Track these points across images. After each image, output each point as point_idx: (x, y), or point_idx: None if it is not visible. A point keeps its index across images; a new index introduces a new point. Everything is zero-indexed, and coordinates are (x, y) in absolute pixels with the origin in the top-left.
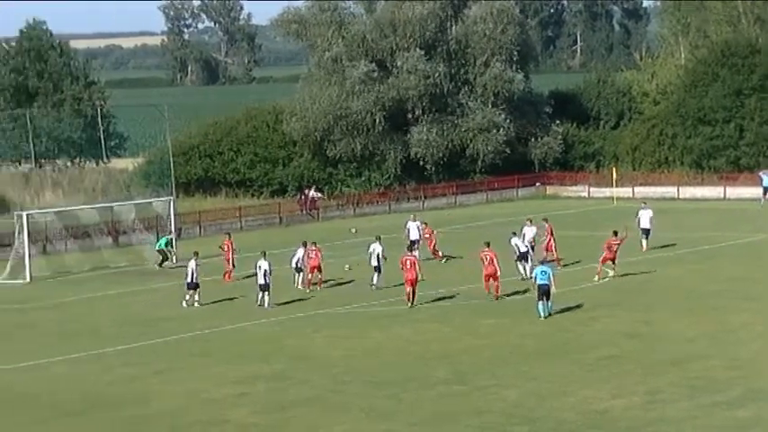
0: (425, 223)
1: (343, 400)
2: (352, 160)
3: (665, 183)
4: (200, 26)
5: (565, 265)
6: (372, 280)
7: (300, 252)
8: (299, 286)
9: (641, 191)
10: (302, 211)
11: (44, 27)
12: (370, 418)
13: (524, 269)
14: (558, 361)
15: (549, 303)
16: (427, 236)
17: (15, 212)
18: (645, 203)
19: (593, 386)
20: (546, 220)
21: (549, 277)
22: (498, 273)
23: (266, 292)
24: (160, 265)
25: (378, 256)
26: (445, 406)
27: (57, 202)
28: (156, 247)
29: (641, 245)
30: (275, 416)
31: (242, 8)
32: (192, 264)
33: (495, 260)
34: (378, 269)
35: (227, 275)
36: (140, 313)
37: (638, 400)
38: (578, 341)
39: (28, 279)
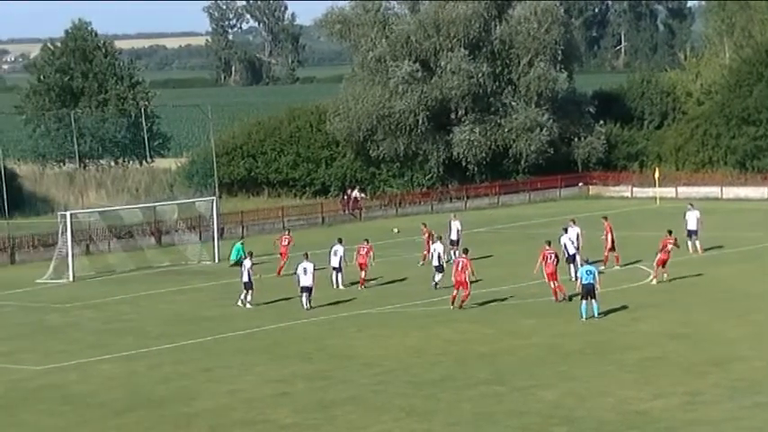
0: (424, 224)
1: (383, 399)
2: (395, 160)
3: (708, 183)
4: (245, 26)
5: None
6: (434, 279)
7: (340, 250)
8: (341, 286)
9: (684, 191)
10: (345, 211)
11: (89, 28)
12: (409, 417)
13: (572, 271)
14: (599, 361)
15: (596, 305)
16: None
17: (59, 212)
18: (692, 205)
19: (633, 387)
20: (605, 218)
21: (594, 277)
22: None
23: (308, 294)
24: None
25: (439, 255)
26: (484, 406)
27: (100, 201)
28: (235, 259)
29: (688, 247)
30: (316, 415)
31: (286, 8)
32: (246, 263)
33: (556, 259)
34: (439, 269)
35: (279, 270)
36: (184, 312)
37: (679, 400)
38: (619, 342)
39: (71, 279)
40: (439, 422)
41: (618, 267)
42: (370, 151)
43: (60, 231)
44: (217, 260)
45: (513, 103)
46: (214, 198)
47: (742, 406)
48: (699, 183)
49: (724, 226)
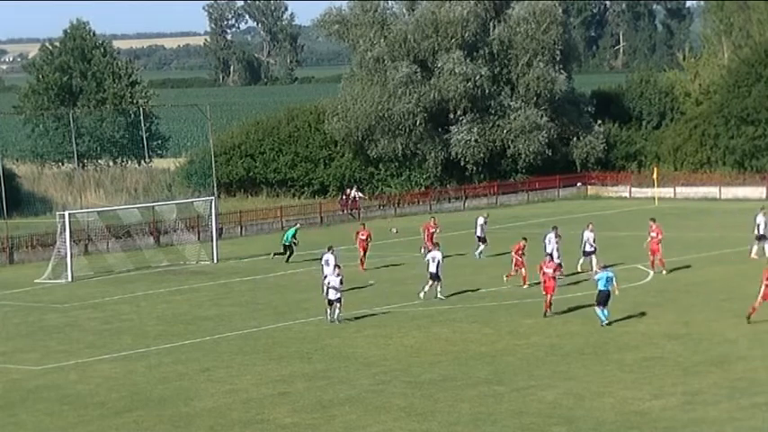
0: (433, 217)
1: (382, 399)
2: (394, 160)
3: (706, 183)
4: (243, 26)
5: (605, 266)
6: (424, 287)
7: (332, 259)
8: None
9: (683, 191)
10: (343, 211)
11: (87, 28)
12: (409, 417)
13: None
14: (598, 361)
15: (607, 312)
16: (433, 230)
17: (58, 212)
18: (763, 209)
19: (632, 387)
20: (653, 219)
21: (612, 284)
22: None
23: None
24: (287, 260)
25: (438, 263)
26: (484, 406)
27: (99, 201)
28: (284, 241)
29: (751, 251)
30: (315, 415)
31: (285, 9)
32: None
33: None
34: (434, 277)
35: (361, 264)
36: (183, 312)
37: (678, 400)
38: (618, 342)
39: (70, 279)
40: (438, 422)
41: (664, 271)
42: (369, 151)
43: (59, 231)
44: (215, 260)
45: (512, 104)
46: (213, 198)
47: (741, 406)
48: (697, 183)
49: (723, 226)
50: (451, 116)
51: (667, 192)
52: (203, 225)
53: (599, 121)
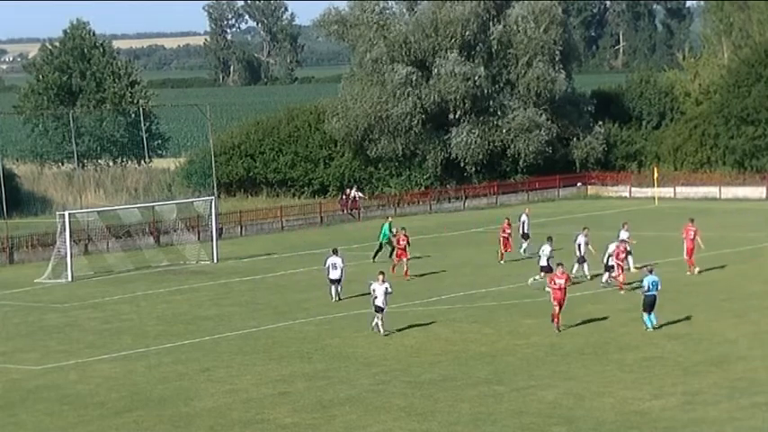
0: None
1: (382, 399)
2: (393, 160)
3: (706, 183)
4: (243, 26)
5: (651, 269)
6: (536, 278)
7: (339, 261)
8: (340, 298)
9: (683, 191)
10: (343, 210)
11: (87, 27)
12: (409, 417)
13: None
14: (598, 361)
15: (654, 317)
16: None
17: (58, 212)
18: None
19: (632, 387)
20: (692, 220)
21: (657, 288)
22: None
23: (338, 286)
24: (390, 254)
25: (548, 256)
26: (484, 406)
27: (99, 201)
28: (383, 239)
29: None
30: (315, 415)
31: (285, 9)
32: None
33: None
34: (547, 269)
35: (406, 272)
36: (183, 312)
37: (678, 400)
38: (618, 342)
39: (70, 278)
40: (438, 422)
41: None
42: (369, 151)
43: (59, 231)
44: (215, 260)
45: (512, 104)
46: (213, 198)
47: (741, 406)
48: (697, 183)
49: (723, 226)
50: (451, 116)
51: (667, 192)
52: (203, 225)
53: (599, 122)
